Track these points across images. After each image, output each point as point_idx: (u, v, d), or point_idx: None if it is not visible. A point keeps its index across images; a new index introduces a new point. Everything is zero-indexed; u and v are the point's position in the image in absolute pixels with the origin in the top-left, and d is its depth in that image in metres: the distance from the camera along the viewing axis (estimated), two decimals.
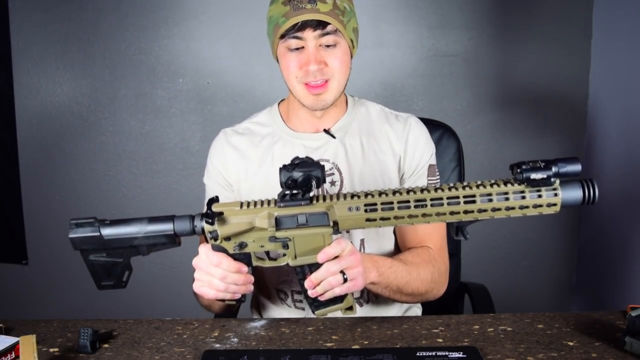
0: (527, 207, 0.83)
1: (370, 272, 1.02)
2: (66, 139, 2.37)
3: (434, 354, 0.90)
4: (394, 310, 1.27)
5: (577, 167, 0.80)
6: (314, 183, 0.86)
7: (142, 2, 2.27)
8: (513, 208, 0.83)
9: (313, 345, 0.96)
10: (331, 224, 0.88)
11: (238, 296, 0.95)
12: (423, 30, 2.25)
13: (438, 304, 1.27)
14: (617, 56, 2.08)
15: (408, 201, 0.85)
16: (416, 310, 1.33)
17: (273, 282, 1.24)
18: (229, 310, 1.17)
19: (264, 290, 1.29)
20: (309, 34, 1.07)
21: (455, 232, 0.88)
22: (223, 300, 0.97)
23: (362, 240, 1.19)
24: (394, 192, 0.86)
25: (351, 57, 1.15)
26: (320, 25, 1.06)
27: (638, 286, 1.93)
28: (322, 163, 0.98)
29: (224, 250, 0.92)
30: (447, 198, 0.84)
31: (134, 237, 0.91)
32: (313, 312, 0.96)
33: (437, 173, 1.23)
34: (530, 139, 2.27)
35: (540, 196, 0.82)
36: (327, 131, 1.20)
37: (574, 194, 0.82)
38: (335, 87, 1.12)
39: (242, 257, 0.92)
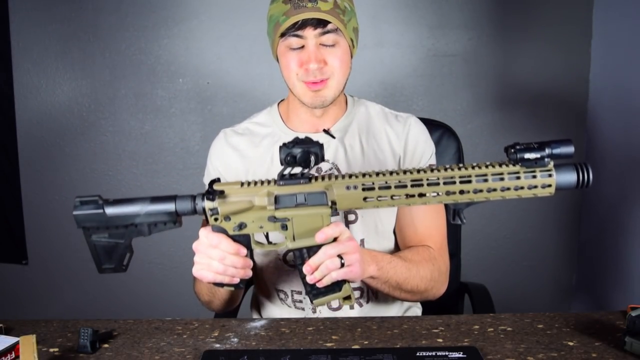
0: (522, 187, 0.84)
1: (369, 266, 1.02)
2: (66, 139, 2.37)
3: (434, 354, 0.90)
4: (394, 310, 1.27)
5: (569, 149, 0.82)
6: (312, 159, 0.86)
7: (142, 2, 2.27)
8: (508, 189, 0.84)
9: (313, 345, 0.97)
10: (329, 203, 0.89)
11: (236, 280, 0.94)
12: (423, 30, 2.25)
13: (438, 304, 1.27)
14: (617, 56, 2.08)
15: (405, 181, 0.86)
16: (416, 310, 1.33)
17: (273, 282, 1.24)
18: (229, 307, 1.17)
19: (264, 290, 1.29)
20: (310, 33, 1.07)
21: (453, 216, 0.90)
22: (222, 286, 0.96)
23: (362, 240, 1.19)
24: (391, 173, 0.87)
25: (351, 56, 1.15)
26: (320, 23, 1.07)
27: (638, 286, 1.93)
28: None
29: (224, 232, 0.92)
30: (443, 178, 0.85)
31: (137, 214, 0.92)
32: (311, 301, 0.96)
33: None
34: (530, 139, 2.22)
35: (534, 177, 0.83)
36: (326, 131, 1.20)
37: (569, 177, 0.84)
38: (334, 85, 1.12)
39: (241, 239, 0.93)
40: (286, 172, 0.89)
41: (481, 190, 0.84)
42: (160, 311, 2.36)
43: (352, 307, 1.21)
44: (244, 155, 1.22)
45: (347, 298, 0.96)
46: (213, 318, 1.13)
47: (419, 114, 1.31)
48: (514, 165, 0.84)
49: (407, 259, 1.12)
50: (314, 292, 0.95)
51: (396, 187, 0.86)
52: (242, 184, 0.91)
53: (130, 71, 2.32)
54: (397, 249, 1.25)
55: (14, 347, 0.92)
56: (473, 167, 0.85)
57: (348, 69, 1.14)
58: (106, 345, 0.99)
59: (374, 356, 0.90)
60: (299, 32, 1.08)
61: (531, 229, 2.36)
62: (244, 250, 0.93)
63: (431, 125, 1.38)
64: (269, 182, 0.91)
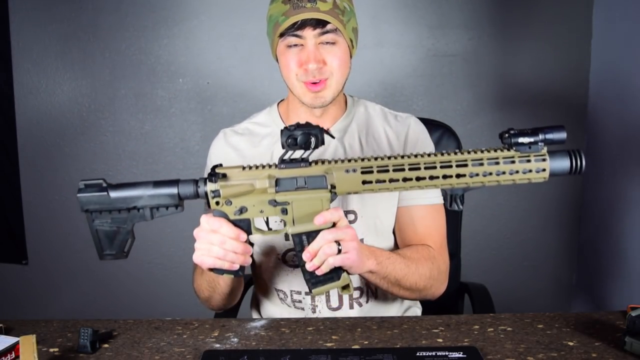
0: (516, 171, 0.86)
1: (368, 259, 1.02)
2: (66, 139, 2.37)
3: (434, 354, 0.90)
4: (393, 310, 1.27)
5: (562, 135, 0.84)
6: (313, 141, 0.88)
7: (142, 2, 2.27)
8: (504, 172, 0.86)
9: (313, 345, 0.97)
10: (329, 187, 0.91)
11: (236, 267, 0.94)
12: (423, 30, 2.25)
13: (438, 304, 1.27)
14: (617, 56, 2.08)
15: (402, 164, 0.88)
16: (416, 310, 1.33)
17: (272, 281, 1.24)
18: (228, 303, 1.17)
19: (263, 290, 1.29)
20: (309, 33, 1.07)
21: (450, 202, 0.91)
22: (222, 273, 0.96)
23: (362, 240, 1.19)
24: (389, 157, 0.89)
25: (350, 56, 1.15)
26: (319, 24, 1.07)
27: (638, 286, 1.93)
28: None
29: (225, 216, 0.93)
30: (440, 162, 0.87)
31: (140, 196, 0.93)
32: (310, 290, 0.96)
33: None
34: None
35: (529, 161, 0.85)
36: (326, 131, 1.19)
37: (562, 162, 0.86)
38: (334, 85, 1.12)
39: (242, 223, 0.93)
40: (287, 156, 0.91)
41: (477, 174, 0.86)
42: (160, 311, 2.36)
43: (351, 306, 1.21)
44: (243, 155, 1.22)
45: (346, 287, 0.96)
46: (213, 318, 1.13)
47: (419, 114, 1.31)
48: (508, 150, 0.86)
49: (406, 256, 1.12)
50: (313, 280, 0.95)
51: (394, 170, 0.88)
52: (244, 167, 0.93)
53: (130, 71, 2.32)
54: (396, 249, 1.25)
55: (14, 347, 0.92)
56: (469, 152, 0.88)
57: (347, 69, 1.14)
58: (106, 345, 0.99)
59: (374, 356, 0.90)
60: (298, 32, 1.08)
61: (531, 229, 2.36)
62: (244, 235, 0.93)
63: (431, 125, 1.38)
64: (270, 166, 0.93)
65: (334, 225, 0.93)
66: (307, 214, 0.91)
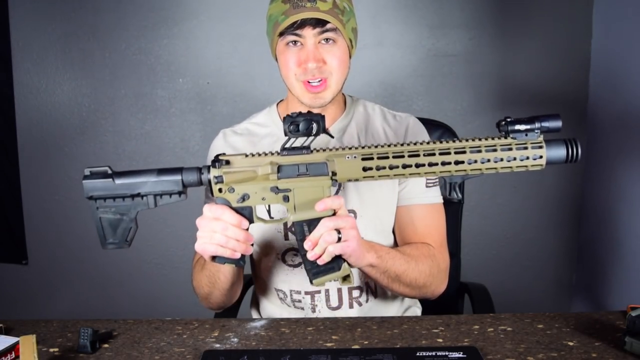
0: (514, 158, 0.87)
1: (368, 252, 1.02)
2: (66, 139, 2.37)
3: (434, 354, 0.90)
4: (393, 310, 1.27)
5: (557, 123, 0.86)
6: (314, 127, 0.89)
7: (142, 2, 2.27)
8: (501, 159, 0.87)
9: (313, 345, 0.97)
10: (330, 174, 0.92)
11: (237, 255, 0.94)
12: (423, 30, 2.25)
13: (438, 304, 1.27)
14: (617, 56, 2.08)
15: (402, 152, 0.89)
16: (416, 310, 1.33)
17: (272, 281, 1.24)
18: (228, 300, 1.17)
19: (263, 289, 1.29)
20: (308, 32, 1.08)
21: (449, 191, 0.92)
22: (223, 262, 0.96)
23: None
24: (389, 145, 0.91)
25: (350, 56, 1.15)
26: (319, 23, 1.07)
27: (638, 286, 1.93)
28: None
29: (227, 204, 0.94)
30: (439, 149, 0.89)
31: (144, 183, 0.94)
32: (311, 281, 0.96)
33: None
34: None
35: (526, 148, 0.87)
36: (325, 131, 1.20)
37: (559, 151, 0.88)
38: (333, 85, 1.12)
39: (244, 211, 0.94)
40: (289, 144, 0.92)
41: (475, 161, 0.88)
42: (160, 311, 2.36)
43: (351, 306, 1.21)
44: None
45: (346, 278, 0.97)
46: (213, 318, 1.13)
47: (419, 114, 1.31)
48: (505, 138, 0.88)
49: (406, 253, 1.13)
50: (314, 270, 0.95)
51: (394, 157, 0.89)
52: (246, 155, 0.94)
53: (130, 71, 2.32)
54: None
55: (14, 347, 0.92)
56: (467, 140, 0.89)
57: (346, 69, 1.14)
58: (106, 345, 0.99)
59: (374, 356, 0.90)
60: (298, 31, 1.08)
61: (531, 229, 2.36)
62: (246, 223, 0.94)
63: (431, 125, 1.38)
64: (272, 153, 0.94)
65: (334, 214, 0.94)
66: (309, 201, 0.92)
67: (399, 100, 2.28)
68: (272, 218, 0.99)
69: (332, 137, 1.20)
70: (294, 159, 0.92)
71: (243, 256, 0.96)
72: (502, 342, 0.96)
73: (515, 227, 2.36)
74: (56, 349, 0.97)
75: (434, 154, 0.89)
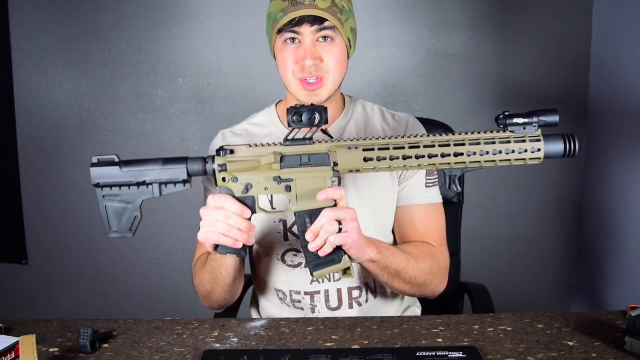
0: (512, 151, 0.89)
1: (368, 247, 1.02)
2: (66, 139, 2.37)
3: (434, 354, 0.90)
4: (393, 309, 1.27)
5: (555, 118, 0.88)
6: (317, 117, 0.91)
7: (142, 2, 2.27)
8: (500, 152, 0.89)
9: (313, 345, 0.97)
10: (332, 164, 0.93)
11: (239, 245, 0.95)
12: (423, 30, 2.25)
13: (438, 304, 1.27)
14: (617, 56, 2.08)
15: (403, 144, 0.91)
16: (416, 310, 1.33)
17: (272, 281, 1.24)
18: (230, 297, 1.17)
19: (262, 290, 1.29)
20: (306, 29, 1.08)
21: (449, 184, 0.94)
22: (225, 252, 0.96)
23: None
24: (390, 137, 0.93)
25: (348, 57, 1.15)
26: (317, 21, 1.07)
27: (638, 286, 1.93)
28: None
29: (231, 194, 0.95)
30: (439, 142, 0.90)
31: (150, 170, 0.95)
32: (312, 273, 0.96)
33: (435, 172, 1.23)
34: None
35: (524, 142, 0.89)
36: (324, 131, 1.19)
37: (557, 145, 0.89)
38: (330, 84, 1.12)
39: (247, 201, 0.95)
40: (292, 135, 0.94)
41: (474, 153, 0.89)
42: (160, 311, 2.36)
43: (351, 306, 1.21)
44: None
45: (347, 271, 0.97)
46: (213, 318, 1.13)
47: (419, 114, 1.31)
48: (504, 132, 0.89)
49: (406, 250, 1.13)
50: (315, 262, 0.96)
51: (394, 148, 0.91)
52: (250, 145, 0.95)
53: (130, 71, 2.32)
54: None
55: (14, 347, 0.92)
56: (466, 134, 0.91)
57: (344, 69, 1.14)
58: (106, 345, 0.99)
59: (374, 356, 0.90)
60: (296, 29, 1.08)
61: (531, 229, 2.36)
62: (249, 212, 0.94)
63: (431, 125, 1.38)
64: (275, 144, 0.95)
65: (335, 205, 0.94)
66: (310, 191, 0.94)
67: (399, 100, 2.28)
68: (275, 209, 1.00)
69: (332, 137, 1.20)
70: (297, 150, 0.94)
71: (245, 247, 0.97)
72: (502, 342, 0.96)
73: (515, 227, 2.36)
74: (56, 349, 0.98)
75: (433, 146, 0.90)
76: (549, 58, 2.24)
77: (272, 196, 0.98)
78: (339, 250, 0.95)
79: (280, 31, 1.10)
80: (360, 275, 1.21)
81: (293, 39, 1.10)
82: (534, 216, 2.36)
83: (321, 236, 0.93)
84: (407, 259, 1.11)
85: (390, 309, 1.26)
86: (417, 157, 0.90)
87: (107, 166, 0.95)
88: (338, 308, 1.21)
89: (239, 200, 0.94)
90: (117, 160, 0.96)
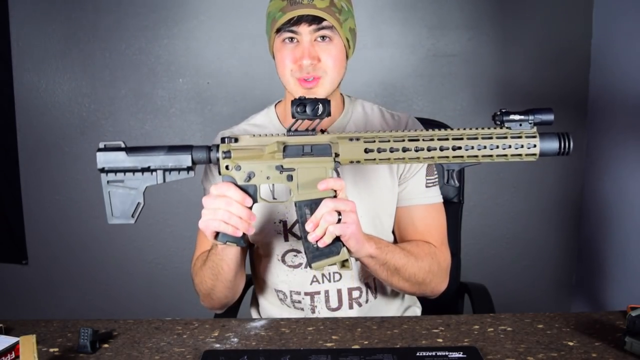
0: (509, 146, 0.91)
1: (367, 242, 1.03)
2: (66, 139, 2.37)
3: (434, 354, 0.90)
4: (393, 309, 1.27)
5: (550, 116, 0.92)
6: (320, 107, 0.93)
7: (142, 2, 2.27)
8: (497, 147, 0.92)
9: (313, 345, 0.97)
10: (333, 155, 0.95)
11: (239, 233, 0.96)
12: (422, 30, 2.25)
13: (438, 304, 1.27)
14: (617, 56, 2.08)
15: (402, 137, 0.94)
16: (416, 310, 1.33)
17: (272, 282, 1.24)
18: (231, 295, 1.17)
19: (263, 290, 1.29)
20: (304, 29, 1.08)
21: (447, 179, 0.96)
22: (225, 242, 0.97)
23: None
24: (390, 131, 0.96)
25: (347, 57, 1.15)
26: (315, 20, 1.07)
27: (638, 286, 1.93)
28: None
29: (233, 182, 0.96)
30: (438, 136, 0.93)
31: (156, 156, 0.96)
32: (310, 265, 0.97)
33: (435, 172, 1.23)
34: None
35: (520, 137, 0.91)
36: (323, 131, 1.20)
37: (551, 143, 0.92)
38: (327, 84, 1.12)
39: (249, 189, 0.96)
40: (295, 126, 0.96)
41: (472, 147, 0.92)
42: (160, 311, 2.36)
43: (351, 306, 1.21)
44: None
45: (345, 263, 0.98)
46: (213, 318, 1.13)
47: (418, 114, 1.31)
48: (501, 128, 0.92)
49: (406, 248, 1.14)
50: (315, 253, 0.96)
51: (394, 140, 0.93)
52: (254, 135, 0.97)
53: (130, 71, 2.32)
54: None
55: (14, 347, 0.92)
56: (464, 129, 0.93)
57: (342, 69, 1.14)
58: (106, 345, 0.99)
59: (374, 356, 0.90)
60: (294, 28, 1.08)
61: (531, 229, 2.36)
62: (250, 201, 0.95)
63: (430, 125, 1.37)
64: (278, 135, 0.97)
65: (335, 196, 0.96)
66: (311, 181, 0.95)
67: (398, 100, 2.28)
68: (275, 199, 1.01)
69: None
70: (300, 140, 0.96)
71: (244, 236, 0.97)
72: (502, 342, 0.96)
73: (515, 227, 2.36)
74: (56, 349, 0.98)
75: (432, 139, 0.92)
76: (549, 58, 2.24)
77: (273, 186, 0.99)
78: (337, 242, 0.96)
79: (278, 30, 1.10)
80: (360, 275, 1.21)
81: (291, 39, 1.10)
82: (534, 216, 2.36)
83: (321, 226, 0.94)
84: (406, 256, 1.11)
85: (390, 309, 1.26)
86: (417, 150, 0.93)
87: (113, 151, 0.96)
88: (338, 308, 1.21)
89: (241, 188, 0.96)
90: (123, 146, 0.97)
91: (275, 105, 1.28)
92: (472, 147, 0.92)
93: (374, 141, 0.94)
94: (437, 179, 1.23)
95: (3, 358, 0.91)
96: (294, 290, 1.22)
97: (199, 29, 2.29)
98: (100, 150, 0.97)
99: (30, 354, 0.85)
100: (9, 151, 2.38)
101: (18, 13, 2.30)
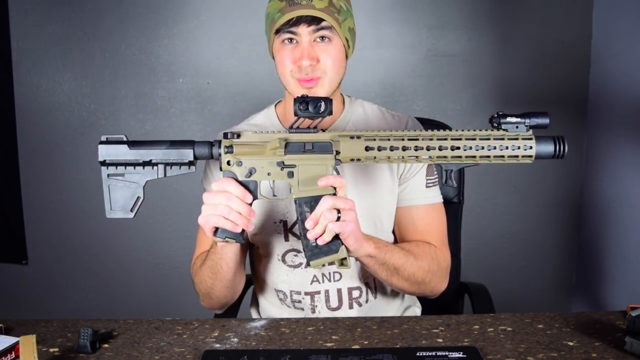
0: (506, 148, 0.94)
1: (366, 241, 1.03)
2: (66, 139, 2.37)
3: (434, 354, 0.90)
4: (393, 309, 1.27)
5: (545, 120, 0.93)
6: (322, 105, 0.94)
7: (142, 2, 2.27)
8: (494, 147, 0.94)
9: (313, 345, 0.97)
10: (334, 152, 0.96)
11: (238, 229, 0.96)
12: (422, 30, 2.26)
13: (438, 304, 1.27)
14: (617, 56, 2.08)
15: (402, 136, 0.95)
16: (416, 310, 1.33)
17: (272, 282, 1.25)
18: (230, 293, 1.17)
19: (263, 290, 1.29)
20: (304, 29, 1.08)
21: (445, 179, 0.98)
22: (224, 238, 0.97)
23: None
24: (390, 131, 0.97)
25: (346, 57, 1.15)
26: (314, 21, 1.07)
27: (638, 286, 1.93)
28: None
29: (234, 178, 0.97)
30: (437, 136, 0.95)
31: (158, 149, 0.97)
32: (309, 263, 0.97)
33: (435, 172, 1.23)
34: None
35: (517, 139, 0.94)
36: (323, 131, 1.20)
37: (547, 147, 0.94)
38: (327, 85, 1.12)
39: (249, 185, 0.97)
40: (297, 124, 0.97)
41: (470, 148, 0.94)
42: (160, 311, 2.36)
43: (351, 306, 1.21)
44: None
45: (343, 261, 0.98)
46: (213, 318, 1.13)
47: (418, 114, 1.31)
48: (497, 130, 0.94)
49: (405, 248, 1.14)
50: (313, 251, 0.97)
51: (395, 139, 0.95)
52: (256, 131, 0.99)
53: (130, 71, 2.32)
54: None
55: (14, 347, 0.92)
56: (463, 130, 0.96)
57: (342, 69, 1.14)
58: (106, 345, 0.99)
59: (374, 356, 0.90)
60: (293, 29, 1.08)
61: (531, 229, 2.36)
62: (250, 197, 0.96)
63: (430, 125, 1.38)
64: (280, 132, 0.98)
65: (335, 194, 0.96)
66: (312, 178, 0.96)
67: (398, 100, 2.28)
68: (275, 196, 1.01)
69: None
70: (301, 137, 0.97)
71: (243, 233, 0.98)
72: (502, 342, 0.96)
73: (515, 227, 2.36)
74: (56, 349, 0.98)
75: (432, 139, 0.94)
76: (549, 58, 2.24)
77: (274, 183, 1.00)
78: (336, 240, 0.97)
79: (277, 31, 1.10)
80: (360, 275, 1.21)
81: (290, 39, 1.10)
82: (533, 216, 2.36)
83: (320, 223, 0.94)
84: (405, 255, 1.11)
85: (390, 308, 1.26)
86: (416, 149, 0.94)
87: (114, 144, 0.97)
88: (338, 308, 1.21)
89: (242, 184, 0.96)
90: (125, 139, 0.97)
91: (275, 106, 1.28)
92: (470, 148, 0.94)
93: (375, 139, 0.95)
94: (437, 179, 1.23)
95: (3, 358, 0.91)
96: (294, 290, 1.22)
97: (199, 29, 2.29)
98: (102, 143, 0.97)
99: (30, 354, 0.85)
100: (9, 151, 2.38)
101: (18, 13, 2.30)
